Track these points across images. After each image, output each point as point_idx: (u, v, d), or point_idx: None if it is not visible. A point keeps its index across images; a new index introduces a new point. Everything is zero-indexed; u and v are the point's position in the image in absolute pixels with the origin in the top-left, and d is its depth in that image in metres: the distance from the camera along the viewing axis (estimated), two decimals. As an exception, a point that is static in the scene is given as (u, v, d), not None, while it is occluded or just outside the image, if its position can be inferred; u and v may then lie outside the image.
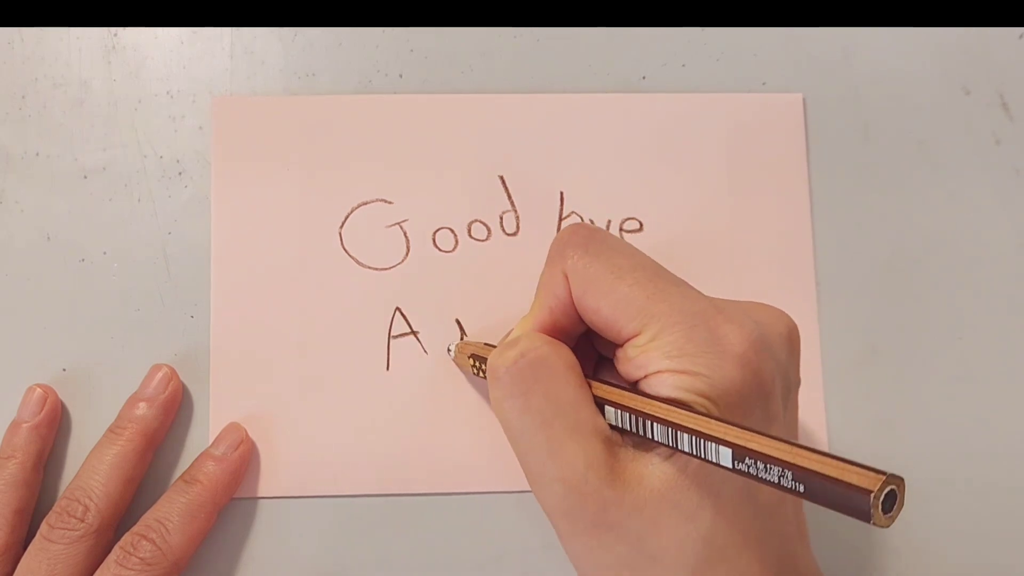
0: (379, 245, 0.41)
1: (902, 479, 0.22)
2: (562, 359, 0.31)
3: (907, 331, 0.42)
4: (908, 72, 0.44)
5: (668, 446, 0.28)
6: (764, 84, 0.43)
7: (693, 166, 0.42)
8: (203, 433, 0.39)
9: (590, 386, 0.31)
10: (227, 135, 0.41)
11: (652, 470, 0.29)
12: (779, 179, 0.42)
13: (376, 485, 0.39)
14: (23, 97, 0.41)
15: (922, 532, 0.41)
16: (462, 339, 0.40)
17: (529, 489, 0.40)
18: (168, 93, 0.42)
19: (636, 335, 0.30)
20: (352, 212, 0.41)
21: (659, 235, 0.41)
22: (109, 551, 0.36)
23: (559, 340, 0.32)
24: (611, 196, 0.41)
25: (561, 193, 0.41)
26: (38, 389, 0.39)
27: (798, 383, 0.32)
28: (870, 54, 0.44)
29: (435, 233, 0.41)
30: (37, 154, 0.41)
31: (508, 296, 0.40)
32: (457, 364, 0.40)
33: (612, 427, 0.30)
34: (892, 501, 0.22)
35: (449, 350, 0.40)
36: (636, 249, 0.32)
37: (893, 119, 0.43)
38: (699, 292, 0.31)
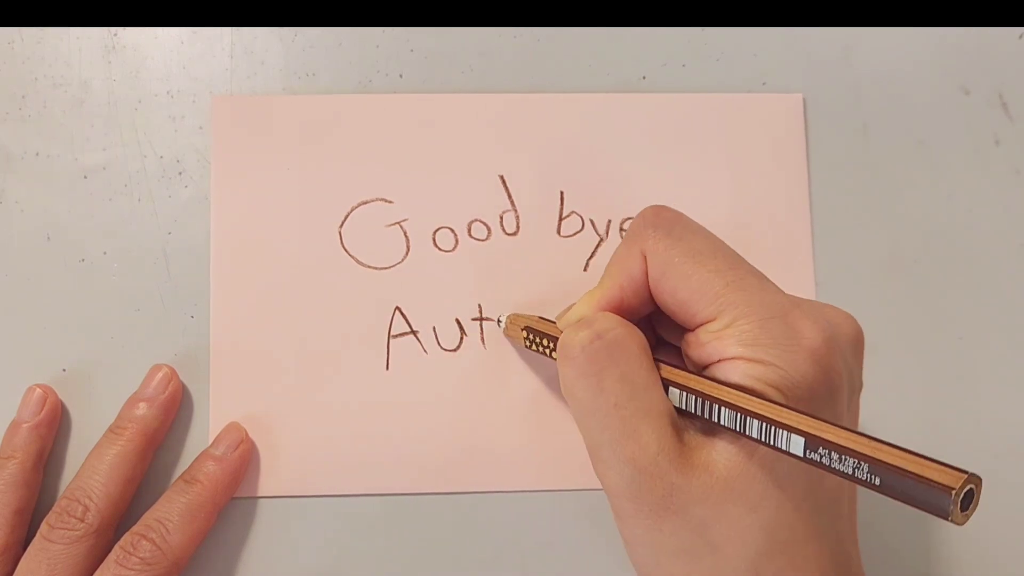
0: (379, 244, 0.41)
1: (980, 478, 0.22)
2: (636, 341, 0.31)
3: (907, 330, 0.42)
4: (908, 72, 0.44)
5: (736, 431, 0.28)
6: (764, 84, 0.43)
7: (693, 166, 0.42)
8: (203, 433, 0.39)
9: (658, 368, 0.31)
10: (227, 134, 0.41)
11: (718, 457, 0.29)
12: (779, 179, 0.42)
13: (376, 485, 0.39)
14: (23, 97, 0.41)
15: (923, 532, 0.41)
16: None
17: (530, 489, 0.40)
18: (168, 93, 0.42)
19: (710, 320, 0.30)
20: (352, 211, 0.41)
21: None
22: (109, 551, 0.36)
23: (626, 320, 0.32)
24: (611, 196, 0.41)
25: (561, 193, 0.41)
26: (38, 389, 0.39)
27: (861, 387, 0.32)
28: (870, 54, 0.44)
29: (435, 232, 0.41)
30: (37, 154, 0.41)
31: (508, 295, 0.40)
32: (508, 336, 0.40)
33: (678, 410, 0.30)
34: (969, 499, 0.22)
35: (499, 321, 0.40)
36: (716, 236, 0.32)
37: (893, 119, 0.43)
38: (776, 285, 0.31)
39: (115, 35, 0.42)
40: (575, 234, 0.41)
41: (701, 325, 0.30)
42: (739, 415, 0.28)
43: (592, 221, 0.41)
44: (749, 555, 0.29)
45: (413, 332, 0.40)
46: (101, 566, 0.35)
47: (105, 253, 0.40)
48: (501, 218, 0.41)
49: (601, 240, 0.41)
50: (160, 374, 0.39)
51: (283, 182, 0.41)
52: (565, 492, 0.40)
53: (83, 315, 0.40)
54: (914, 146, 0.43)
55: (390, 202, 0.41)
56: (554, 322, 0.36)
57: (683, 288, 0.31)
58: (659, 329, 0.35)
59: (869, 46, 0.44)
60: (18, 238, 0.40)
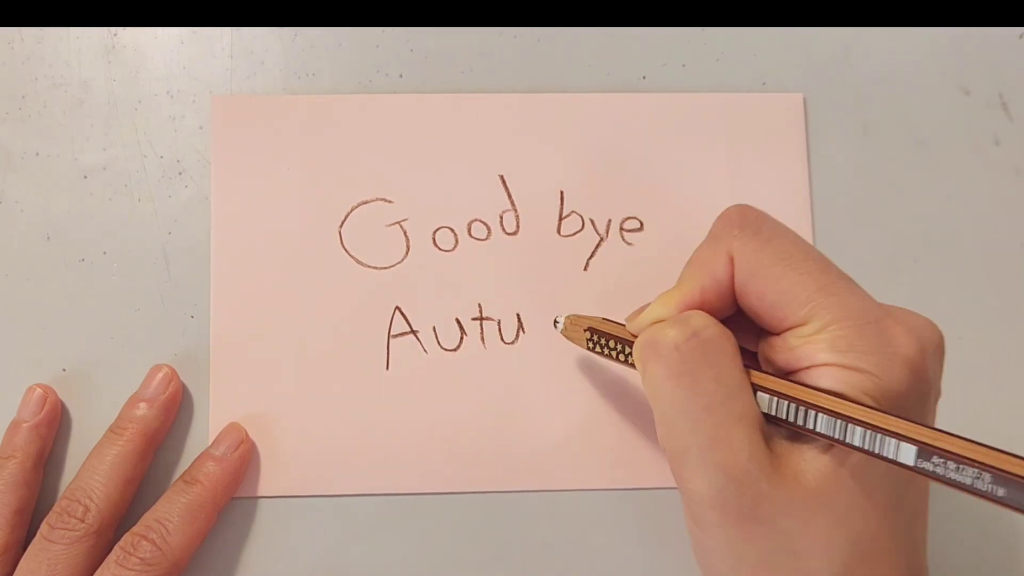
0: (379, 244, 0.41)
1: None
2: (731, 342, 0.30)
3: (907, 331, 0.42)
4: (908, 72, 0.44)
5: (833, 439, 0.27)
6: (764, 84, 0.43)
7: (694, 166, 0.42)
8: (203, 433, 0.39)
9: (748, 373, 0.30)
10: (226, 134, 0.41)
11: (807, 466, 0.28)
12: (779, 179, 0.42)
13: (376, 484, 0.39)
14: (23, 97, 0.41)
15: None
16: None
17: (532, 490, 0.40)
18: (168, 93, 0.42)
19: (801, 325, 0.29)
20: (352, 211, 0.41)
21: (660, 235, 0.41)
22: (109, 551, 0.36)
23: None
24: (611, 195, 0.41)
25: (561, 192, 0.41)
26: (38, 389, 0.39)
27: (940, 395, 0.32)
28: (870, 54, 0.44)
29: (435, 232, 0.41)
30: (37, 154, 0.41)
31: (508, 295, 0.40)
32: (567, 337, 0.38)
33: (765, 416, 0.29)
34: None
35: (556, 322, 0.38)
36: (803, 238, 0.31)
37: (893, 119, 0.43)
38: (865, 291, 0.30)
39: (115, 35, 0.42)
40: (575, 234, 0.41)
41: (789, 329, 0.30)
42: (839, 422, 0.27)
43: (592, 221, 0.41)
44: (834, 566, 0.28)
45: (413, 332, 0.40)
46: (101, 566, 0.35)
47: (105, 253, 0.41)
48: (501, 218, 0.41)
49: (601, 240, 0.41)
50: (160, 374, 0.39)
51: (283, 182, 0.41)
52: (565, 492, 0.40)
53: (83, 315, 0.40)
54: (914, 146, 0.43)
55: (390, 202, 0.41)
56: (621, 324, 0.35)
57: (772, 291, 0.30)
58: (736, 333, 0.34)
59: (869, 46, 0.44)
60: (18, 238, 0.40)
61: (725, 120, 0.42)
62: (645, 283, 0.41)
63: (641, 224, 0.41)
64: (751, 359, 0.32)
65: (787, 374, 0.30)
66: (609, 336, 0.34)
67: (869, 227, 0.42)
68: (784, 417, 0.29)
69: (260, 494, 0.39)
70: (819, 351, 0.29)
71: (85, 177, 0.41)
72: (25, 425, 0.38)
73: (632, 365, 0.33)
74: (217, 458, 0.38)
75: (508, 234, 0.41)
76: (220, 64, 0.42)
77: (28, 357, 0.40)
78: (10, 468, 0.37)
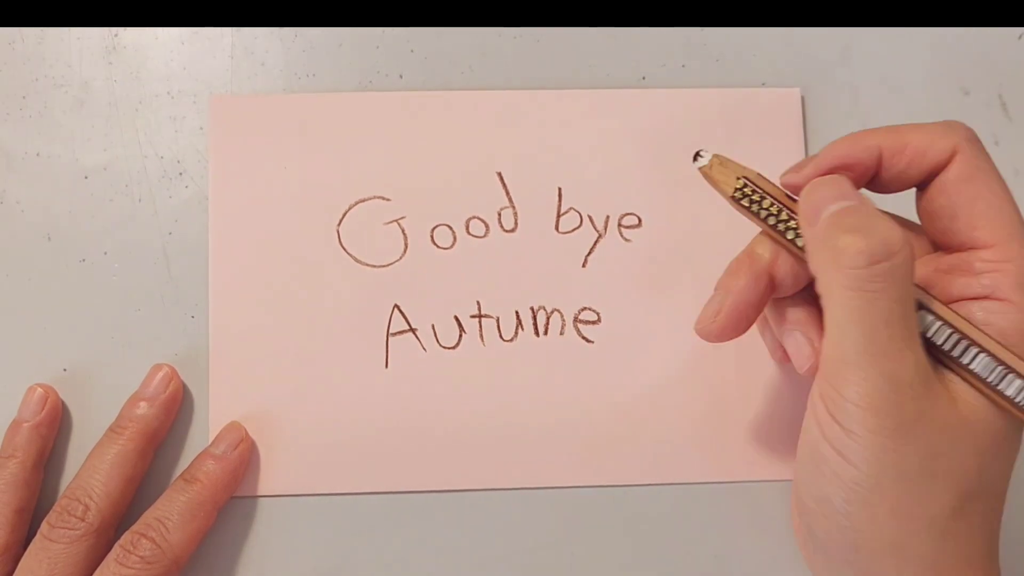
0: (377, 242, 0.41)
1: None
2: (913, 261, 0.29)
3: (907, 330, 0.42)
4: (907, 72, 0.44)
5: (987, 384, 0.28)
6: (764, 84, 0.43)
7: (690, 162, 0.42)
8: (203, 432, 0.39)
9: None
10: (224, 134, 0.41)
11: (965, 394, 0.29)
12: (777, 174, 0.42)
13: (376, 483, 0.39)
14: (23, 97, 0.41)
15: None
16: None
17: (532, 487, 0.40)
18: (168, 93, 0.42)
19: (988, 247, 0.30)
20: (350, 209, 0.41)
21: (658, 231, 0.41)
22: (110, 550, 0.36)
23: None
24: (609, 192, 0.41)
25: (559, 189, 0.41)
26: (39, 389, 0.39)
27: None
28: (869, 54, 0.44)
29: (433, 230, 0.41)
30: (38, 154, 0.41)
31: (507, 292, 0.41)
32: (709, 177, 0.34)
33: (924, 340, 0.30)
34: None
35: (700, 156, 0.34)
36: None
37: (892, 119, 0.43)
38: None
39: (115, 35, 0.42)
40: (573, 230, 0.41)
41: (974, 249, 0.30)
42: (998, 368, 0.28)
43: (590, 217, 0.41)
44: (960, 492, 0.29)
45: (412, 330, 0.40)
46: (101, 565, 0.35)
47: (105, 253, 0.41)
48: (499, 215, 0.41)
49: (599, 236, 0.41)
50: (160, 374, 0.39)
51: (280, 180, 0.41)
52: (566, 489, 0.40)
53: (84, 315, 0.40)
54: (914, 146, 0.43)
55: (388, 200, 0.41)
56: (775, 185, 0.33)
57: (983, 200, 0.30)
58: None
59: (868, 46, 0.44)
60: (19, 238, 0.41)
61: (722, 116, 0.42)
62: (644, 279, 0.41)
63: (639, 220, 0.41)
64: None
65: (957, 300, 0.30)
66: (765, 194, 0.32)
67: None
68: (950, 351, 0.29)
69: (260, 493, 0.39)
70: (1004, 282, 0.29)
71: (86, 177, 0.41)
72: (26, 425, 0.38)
73: (783, 237, 0.32)
74: (217, 457, 0.38)
75: (506, 231, 0.41)
76: (220, 64, 0.42)
77: (29, 357, 0.40)
78: (11, 468, 0.37)
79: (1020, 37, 0.44)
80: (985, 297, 0.30)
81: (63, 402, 0.40)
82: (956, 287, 0.31)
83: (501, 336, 0.40)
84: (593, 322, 0.41)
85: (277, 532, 0.39)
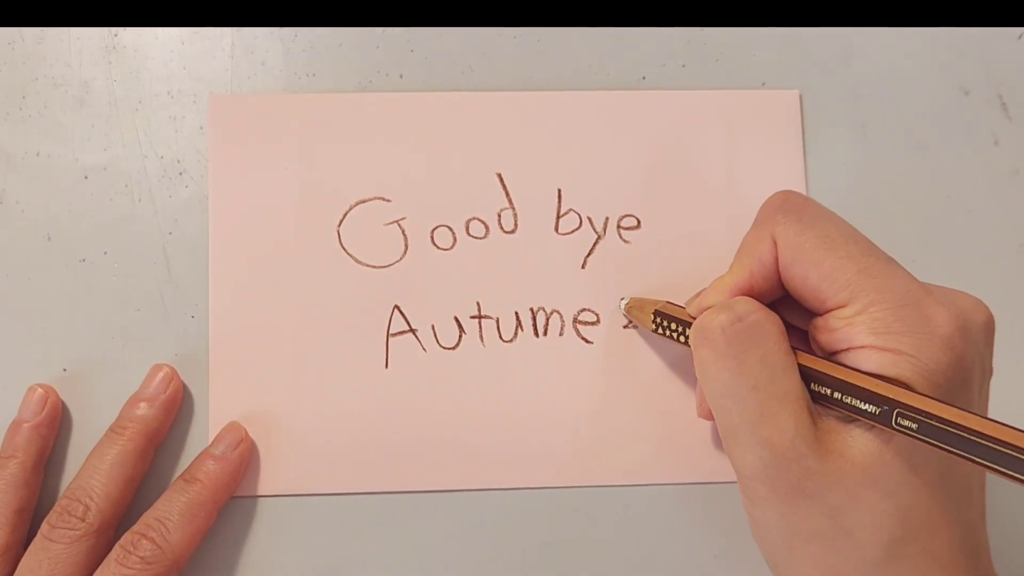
0: (377, 243, 0.41)
1: None
2: (775, 325, 0.31)
3: (907, 330, 0.42)
4: (907, 72, 0.44)
5: (875, 419, 0.28)
6: (764, 84, 0.43)
7: (690, 163, 0.42)
8: (203, 432, 0.39)
9: (795, 354, 0.31)
10: (224, 133, 0.41)
11: (854, 443, 0.29)
12: (776, 175, 0.42)
13: (376, 483, 0.39)
14: (23, 97, 0.41)
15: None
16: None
17: (531, 487, 0.40)
18: (168, 93, 0.42)
19: (842, 307, 0.30)
20: (350, 210, 0.41)
21: (657, 232, 0.41)
22: (110, 550, 0.36)
23: None
24: (609, 193, 0.41)
25: (559, 190, 0.41)
26: (39, 389, 0.39)
27: (991, 373, 0.32)
28: (869, 54, 0.44)
29: (433, 231, 0.41)
30: (38, 154, 0.41)
31: (506, 293, 0.41)
32: (631, 317, 0.40)
33: (812, 395, 0.30)
34: None
35: (621, 302, 0.40)
36: (847, 222, 0.32)
37: (892, 119, 0.43)
38: (908, 272, 0.31)
39: (115, 35, 0.42)
40: (573, 231, 0.41)
41: (831, 311, 0.31)
42: (885, 407, 0.28)
43: (590, 218, 0.41)
44: (883, 540, 0.29)
45: (412, 330, 0.40)
46: (101, 565, 0.35)
47: (105, 253, 0.41)
48: (499, 216, 0.41)
49: (599, 238, 0.41)
50: (161, 374, 0.39)
51: (280, 180, 0.41)
52: (566, 489, 0.40)
53: (84, 315, 0.40)
54: (913, 146, 0.43)
55: (388, 200, 0.41)
56: (683, 307, 0.36)
57: (814, 274, 0.31)
58: (785, 313, 0.34)
59: (868, 46, 0.44)
60: (18, 238, 0.41)
61: (722, 117, 0.42)
62: (643, 281, 0.41)
63: (638, 222, 0.41)
64: (802, 340, 0.33)
65: (831, 354, 0.31)
66: (673, 319, 0.36)
67: (868, 227, 0.42)
68: (831, 396, 0.29)
69: (260, 493, 0.39)
70: (859, 333, 0.29)
71: (86, 177, 0.41)
72: (26, 425, 0.38)
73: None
74: (217, 457, 0.38)
75: (506, 232, 0.41)
76: (220, 64, 0.42)
77: (29, 357, 0.40)
78: (11, 468, 0.37)
79: (1020, 37, 0.44)
80: (847, 349, 0.30)
81: (63, 402, 0.40)
82: (829, 344, 0.31)
83: (501, 337, 0.40)
84: (592, 323, 0.41)
85: (277, 532, 0.39)
